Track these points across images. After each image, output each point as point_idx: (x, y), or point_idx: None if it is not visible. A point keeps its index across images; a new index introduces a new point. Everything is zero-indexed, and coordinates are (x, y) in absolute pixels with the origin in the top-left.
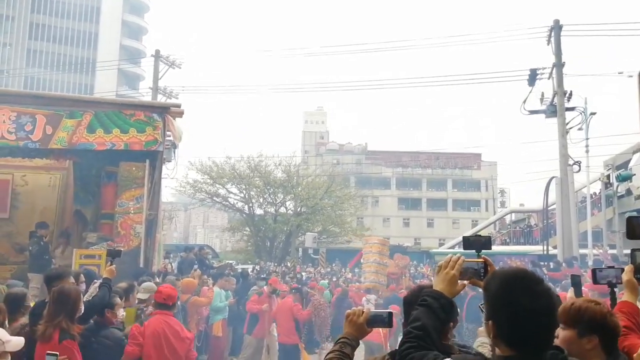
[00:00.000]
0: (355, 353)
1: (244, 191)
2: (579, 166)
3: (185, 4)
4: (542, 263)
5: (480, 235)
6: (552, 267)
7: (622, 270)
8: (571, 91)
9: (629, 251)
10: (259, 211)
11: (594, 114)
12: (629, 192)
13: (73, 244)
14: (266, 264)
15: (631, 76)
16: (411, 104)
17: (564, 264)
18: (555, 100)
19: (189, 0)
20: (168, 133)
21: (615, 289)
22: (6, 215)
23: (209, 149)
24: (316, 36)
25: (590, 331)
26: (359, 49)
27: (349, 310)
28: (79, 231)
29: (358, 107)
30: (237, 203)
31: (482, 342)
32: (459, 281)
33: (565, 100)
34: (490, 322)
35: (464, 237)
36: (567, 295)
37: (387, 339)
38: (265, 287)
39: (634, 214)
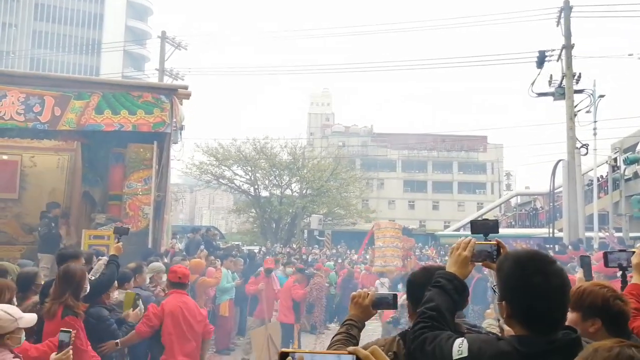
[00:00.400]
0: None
1: (250, 173)
2: (587, 149)
3: None
4: (547, 246)
5: (487, 219)
6: (557, 250)
7: (633, 253)
8: (580, 73)
9: (635, 234)
10: (264, 193)
11: (602, 96)
12: (636, 175)
13: (74, 225)
14: (273, 246)
15: None
16: (418, 86)
17: (570, 247)
18: (564, 82)
19: None
20: None
21: (627, 272)
22: (15, 196)
23: (215, 131)
24: (322, 17)
25: (592, 314)
26: (366, 31)
27: (354, 293)
28: (87, 212)
29: (364, 89)
30: (242, 185)
31: (489, 324)
32: (470, 263)
33: (574, 83)
34: (503, 302)
35: (471, 221)
36: (576, 277)
37: None
38: (261, 269)
39: None
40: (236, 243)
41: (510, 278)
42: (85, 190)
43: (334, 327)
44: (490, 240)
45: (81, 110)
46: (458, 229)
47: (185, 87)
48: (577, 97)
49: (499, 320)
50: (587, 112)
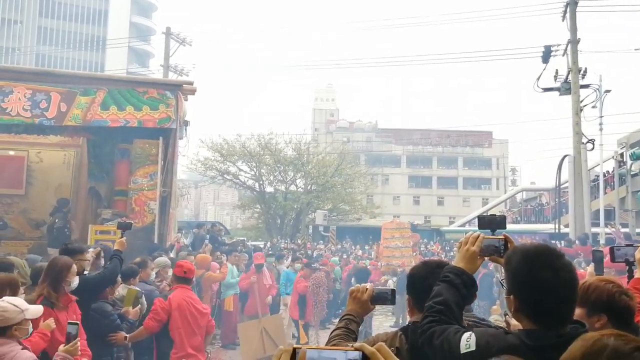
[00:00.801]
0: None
1: (255, 169)
2: (593, 144)
3: None
4: (553, 241)
5: (495, 215)
6: (564, 244)
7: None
8: (586, 68)
9: None
10: (269, 189)
11: (608, 91)
12: None
13: (81, 220)
14: (279, 241)
15: None
16: (422, 81)
17: (577, 242)
18: (570, 77)
19: None
20: None
21: (633, 267)
22: (22, 191)
23: (219, 127)
24: (326, 13)
25: (598, 310)
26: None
27: (352, 287)
28: (93, 208)
29: (368, 84)
30: (247, 180)
31: (496, 320)
32: (478, 258)
33: (580, 78)
34: (511, 296)
35: (479, 216)
36: (586, 272)
37: None
38: (253, 265)
39: None
40: (241, 239)
41: (518, 272)
42: (92, 185)
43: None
44: (497, 235)
45: (87, 106)
46: (463, 225)
47: (191, 83)
48: (583, 92)
49: (505, 315)
50: (593, 107)
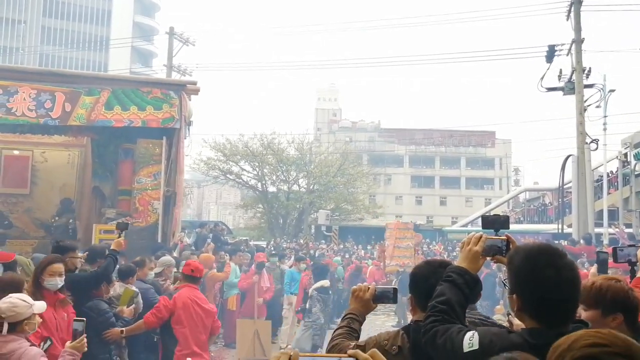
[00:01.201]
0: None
1: (257, 168)
2: (597, 144)
3: None
4: (556, 242)
5: (498, 214)
6: (567, 244)
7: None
8: (590, 68)
9: None
10: (271, 188)
11: (612, 91)
12: None
13: (85, 219)
14: (281, 241)
15: None
16: (425, 81)
17: (582, 241)
18: (574, 77)
19: None
20: None
21: (636, 267)
22: (26, 191)
23: (222, 127)
24: (329, 13)
25: (614, 309)
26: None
27: (354, 287)
28: (97, 207)
29: (371, 84)
30: (250, 180)
31: (499, 319)
32: (481, 258)
33: (584, 77)
34: (514, 295)
35: (482, 216)
36: (589, 272)
37: None
38: (253, 266)
39: None
40: (244, 238)
41: (521, 271)
42: (95, 185)
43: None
44: (500, 236)
45: (91, 106)
46: (466, 225)
47: (194, 83)
48: (587, 92)
49: (508, 314)
50: (597, 107)
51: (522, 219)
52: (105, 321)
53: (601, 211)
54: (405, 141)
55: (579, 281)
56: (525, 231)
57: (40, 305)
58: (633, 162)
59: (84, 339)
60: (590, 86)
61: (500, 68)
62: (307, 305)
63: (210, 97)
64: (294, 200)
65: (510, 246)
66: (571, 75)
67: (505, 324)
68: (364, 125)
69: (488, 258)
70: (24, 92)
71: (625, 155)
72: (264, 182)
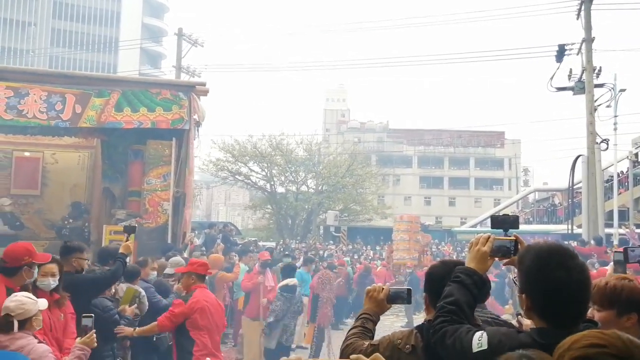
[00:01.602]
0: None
1: (266, 169)
2: (607, 144)
3: None
4: (566, 242)
5: (508, 215)
6: (577, 244)
7: None
8: (600, 67)
9: None
10: (280, 189)
11: (623, 90)
12: None
13: (95, 221)
14: (290, 242)
15: None
16: (434, 81)
17: (592, 242)
18: (584, 76)
19: None
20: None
21: None
22: (37, 192)
23: (231, 128)
24: (337, 13)
25: (628, 309)
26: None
27: (369, 287)
28: (107, 208)
29: (379, 84)
30: (258, 181)
31: (507, 319)
32: (489, 258)
33: (594, 77)
34: (524, 295)
35: (492, 216)
36: (607, 271)
37: None
38: (257, 265)
39: None
40: (253, 239)
41: (531, 271)
42: (105, 186)
43: (351, 322)
44: (509, 236)
45: (101, 108)
46: (475, 225)
47: (203, 84)
48: (597, 92)
49: (517, 315)
50: (608, 106)
51: (531, 219)
52: (109, 318)
53: (611, 211)
54: (414, 141)
55: (590, 283)
56: (534, 232)
57: (43, 303)
58: None
59: (93, 334)
60: (600, 86)
61: (510, 68)
62: (272, 305)
63: (219, 98)
64: (302, 200)
65: (519, 246)
66: (581, 75)
67: (515, 323)
68: (372, 126)
69: (497, 258)
70: (34, 94)
71: (636, 155)
72: (272, 182)
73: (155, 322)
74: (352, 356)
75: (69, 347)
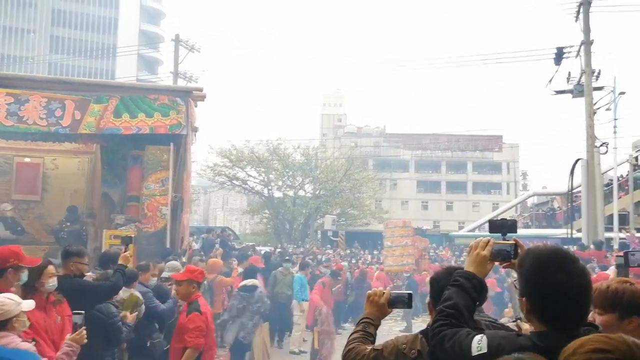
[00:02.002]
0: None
1: (263, 174)
2: (607, 147)
3: None
4: (565, 247)
5: (506, 219)
6: (576, 248)
7: None
8: (600, 70)
9: None
10: (277, 194)
11: (623, 93)
12: None
13: (101, 225)
14: (288, 246)
15: None
16: (431, 85)
17: (592, 246)
18: (583, 79)
19: None
20: None
21: None
22: (38, 197)
23: (228, 133)
24: (334, 18)
25: (630, 312)
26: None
27: (370, 291)
28: (106, 213)
29: (376, 89)
30: (256, 186)
31: (506, 323)
32: (488, 262)
33: (593, 80)
34: (524, 298)
35: (490, 220)
36: (607, 276)
37: None
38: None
39: None
40: (250, 244)
41: (531, 274)
42: (105, 191)
43: (349, 327)
44: (508, 240)
45: (100, 114)
46: (473, 230)
47: (200, 89)
48: (596, 95)
49: (516, 319)
50: (607, 109)
51: (530, 223)
52: (114, 324)
53: (611, 216)
54: (411, 146)
55: (590, 286)
56: (533, 236)
57: (28, 303)
58: None
59: (83, 331)
60: (599, 89)
61: (508, 71)
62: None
63: (216, 103)
64: (300, 205)
65: (519, 250)
66: (580, 78)
67: (514, 327)
68: (369, 131)
69: (496, 263)
70: (34, 101)
71: (636, 158)
72: (270, 187)
73: (190, 348)
74: None
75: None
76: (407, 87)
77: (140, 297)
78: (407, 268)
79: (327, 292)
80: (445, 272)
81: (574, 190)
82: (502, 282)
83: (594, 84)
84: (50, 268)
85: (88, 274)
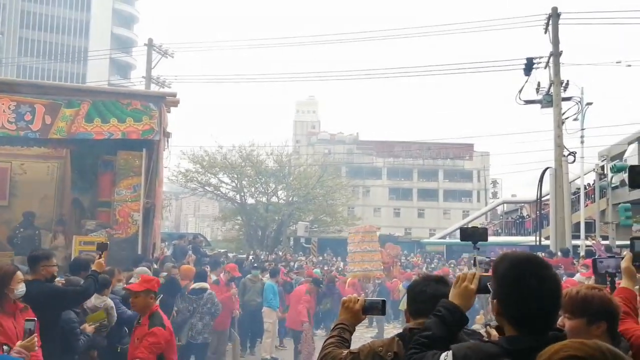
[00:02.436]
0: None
1: (236, 180)
2: (574, 157)
3: None
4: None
5: (477, 227)
6: (545, 255)
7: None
8: (568, 81)
9: (621, 242)
10: (250, 200)
11: (590, 104)
12: (623, 183)
13: (71, 232)
14: (260, 253)
15: (629, 65)
16: (404, 93)
17: (559, 253)
18: (552, 90)
19: None
20: None
21: (616, 278)
22: (5, 203)
23: (200, 138)
24: (308, 25)
25: (599, 318)
26: (351, 38)
27: (345, 298)
28: (77, 219)
29: (350, 96)
30: (228, 192)
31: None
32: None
33: (562, 90)
34: (495, 300)
35: (461, 229)
36: (575, 283)
37: None
38: (222, 275)
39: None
40: (223, 250)
41: (504, 278)
42: (75, 197)
43: (320, 333)
44: (486, 259)
45: (71, 119)
46: (444, 237)
47: (174, 95)
48: (564, 105)
49: (487, 325)
50: (575, 119)
51: (500, 231)
52: (71, 330)
53: (578, 223)
54: (384, 153)
55: (561, 293)
56: (503, 243)
57: None
58: (610, 174)
59: (34, 338)
60: (568, 99)
61: (479, 81)
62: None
63: (189, 109)
64: (272, 212)
65: None
66: (549, 88)
67: (483, 334)
68: (342, 138)
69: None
70: (3, 104)
71: (602, 167)
72: (242, 194)
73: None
74: None
75: (33, 354)
76: (381, 95)
77: (111, 315)
78: (377, 274)
79: (313, 302)
80: (422, 280)
81: (543, 199)
82: None
83: (562, 95)
84: (19, 274)
85: (57, 279)
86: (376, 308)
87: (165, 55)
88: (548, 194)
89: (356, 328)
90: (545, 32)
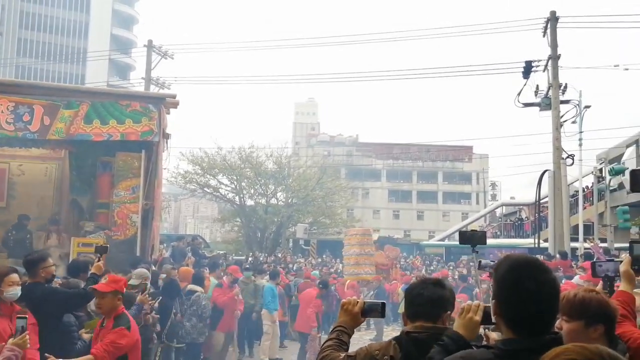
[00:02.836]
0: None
1: (235, 182)
2: (572, 159)
3: None
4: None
5: (475, 230)
6: (543, 258)
7: (621, 262)
8: (566, 84)
9: (620, 245)
10: (249, 202)
11: (588, 107)
12: (621, 186)
13: (66, 231)
14: (259, 255)
15: (627, 69)
16: (403, 96)
17: (558, 256)
18: (550, 93)
19: None
20: None
21: (614, 282)
22: (3, 204)
23: (200, 140)
24: (308, 27)
25: (596, 320)
26: (351, 40)
27: (344, 300)
28: (75, 220)
29: (349, 98)
30: (227, 194)
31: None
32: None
33: (560, 93)
34: (494, 301)
35: (460, 232)
36: (575, 285)
37: None
38: (225, 278)
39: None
40: (222, 252)
41: (503, 279)
42: (74, 198)
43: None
44: (473, 253)
45: (70, 120)
46: (443, 239)
47: (173, 96)
48: (563, 108)
49: (485, 328)
50: (573, 122)
51: (498, 233)
52: (68, 333)
53: (577, 226)
54: (383, 155)
55: (559, 297)
56: (501, 245)
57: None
58: (608, 177)
59: (25, 336)
60: (566, 102)
61: (478, 83)
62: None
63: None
64: (272, 213)
65: None
66: (547, 91)
67: (482, 336)
68: (342, 139)
69: (469, 279)
70: (1, 105)
71: (600, 170)
72: (241, 195)
73: (90, 356)
74: None
75: (31, 357)
76: (380, 97)
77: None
78: (369, 277)
79: (322, 306)
80: (419, 282)
81: (541, 201)
82: (471, 291)
83: (561, 98)
84: (12, 276)
85: (55, 279)
86: (376, 310)
87: (164, 57)
88: (547, 197)
89: (355, 330)
90: (544, 36)
